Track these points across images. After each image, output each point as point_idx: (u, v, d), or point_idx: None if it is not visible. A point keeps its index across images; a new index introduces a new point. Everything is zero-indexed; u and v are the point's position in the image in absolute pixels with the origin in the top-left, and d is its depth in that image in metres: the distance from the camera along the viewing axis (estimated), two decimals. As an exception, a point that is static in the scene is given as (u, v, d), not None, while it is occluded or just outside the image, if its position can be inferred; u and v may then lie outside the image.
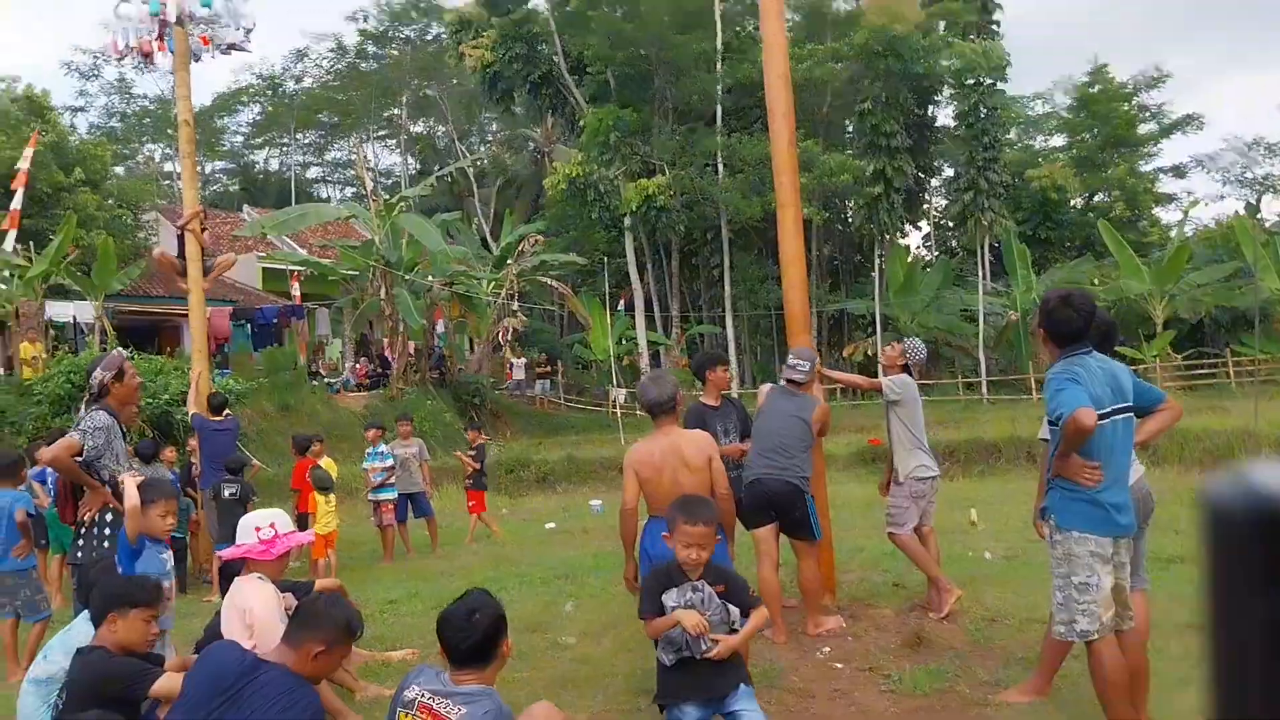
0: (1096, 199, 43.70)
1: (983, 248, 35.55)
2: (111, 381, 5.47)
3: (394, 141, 57.61)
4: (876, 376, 7.67)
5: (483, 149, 54.00)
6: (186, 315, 9.71)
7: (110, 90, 52.32)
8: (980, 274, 35.20)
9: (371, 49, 52.98)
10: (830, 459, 7.10)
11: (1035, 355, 31.73)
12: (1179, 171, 49.85)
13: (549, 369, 34.88)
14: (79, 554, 5.37)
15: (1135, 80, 45.61)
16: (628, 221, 34.10)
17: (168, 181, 47.09)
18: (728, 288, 35.13)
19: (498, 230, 37.11)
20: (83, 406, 5.62)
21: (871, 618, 6.39)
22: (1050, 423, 4.12)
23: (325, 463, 10.68)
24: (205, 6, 8.76)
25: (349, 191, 57.92)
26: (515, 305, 29.30)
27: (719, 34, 34.17)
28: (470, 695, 2.94)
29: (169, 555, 4.91)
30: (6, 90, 29.60)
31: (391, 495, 11.04)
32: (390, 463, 11.09)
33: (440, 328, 29.52)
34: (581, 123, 35.27)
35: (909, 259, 35.84)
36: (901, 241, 39.11)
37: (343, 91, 53.13)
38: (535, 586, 8.56)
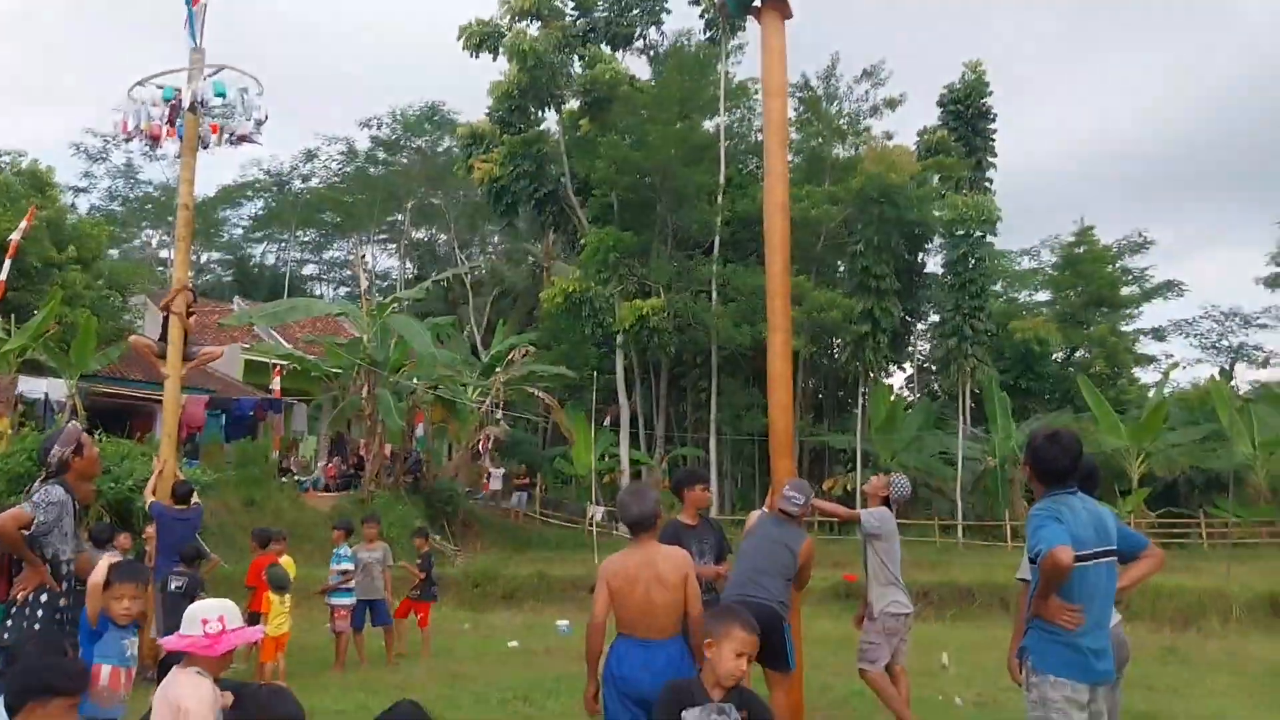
0: (1078, 354, 44.37)
1: (964, 393, 35.85)
2: (71, 456, 5.32)
3: (394, 246, 58.37)
4: (856, 509, 7.59)
5: (482, 259, 54.70)
6: (161, 401, 9.58)
7: (116, 174, 53.22)
8: (961, 418, 35.38)
9: (381, 155, 54.02)
10: (804, 593, 6.96)
11: (1012, 503, 31.70)
12: (1159, 334, 50.95)
13: (527, 481, 34.54)
14: (6, 635, 5.09)
15: (1120, 244, 47.07)
16: (620, 339, 34.33)
17: (162, 268, 47.40)
18: (713, 411, 35.16)
19: (489, 340, 37.26)
20: (37, 481, 5.44)
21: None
22: (1031, 560, 4.04)
23: (285, 561, 10.41)
24: (219, 95, 8.91)
25: (343, 291, 58.44)
26: (499, 414, 29.18)
27: (722, 168, 35.11)
28: None
29: (132, 642, 4.70)
30: (12, 163, 29.99)
31: (348, 600, 10.72)
32: (349, 566, 10.80)
33: (420, 431, 29.29)
34: (582, 241, 35.86)
35: (892, 398, 36.06)
36: (885, 381, 39.44)
37: (348, 193, 53.90)
38: (491, 707, 8.28)
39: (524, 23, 36.43)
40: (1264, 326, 51.05)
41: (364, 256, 44.87)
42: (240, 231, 59.17)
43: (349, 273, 58.26)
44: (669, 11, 38.56)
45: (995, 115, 40.82)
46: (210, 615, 4.29)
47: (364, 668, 10.51)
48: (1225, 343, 52.18)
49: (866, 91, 40.96)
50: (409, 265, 57.83)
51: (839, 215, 35.11)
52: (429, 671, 10.28)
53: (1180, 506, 32.93)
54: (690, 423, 38.14)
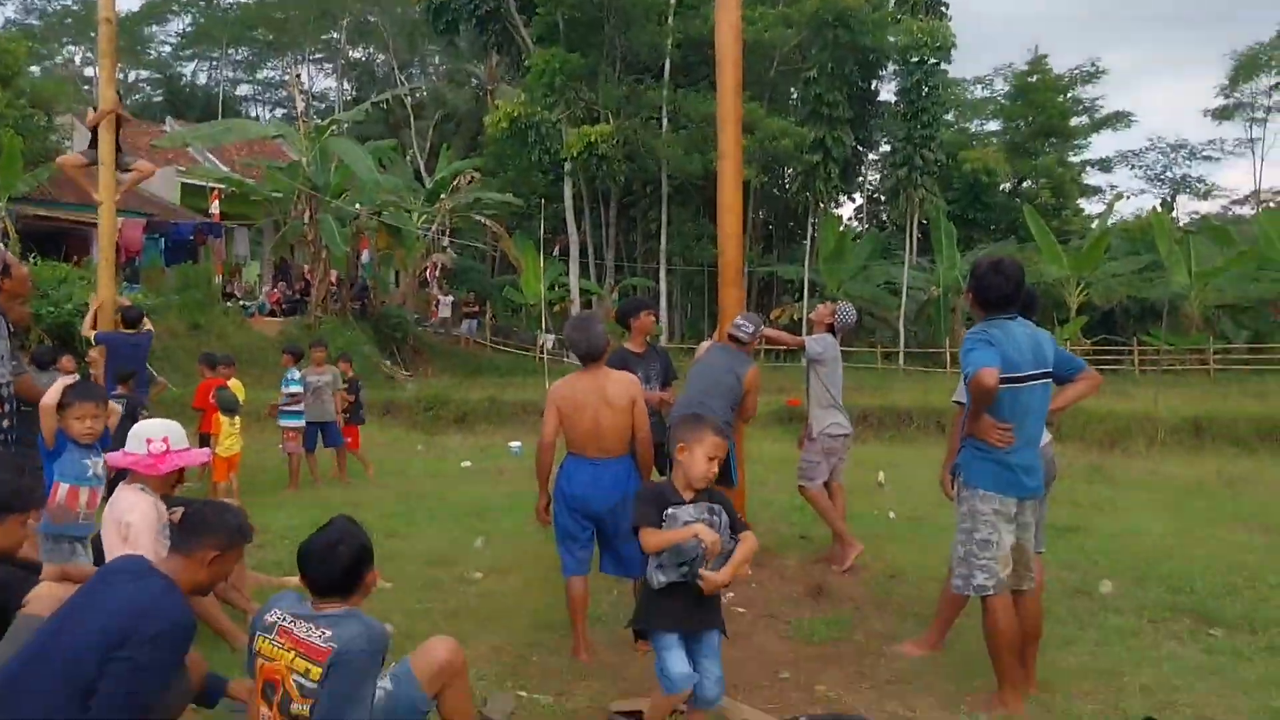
0: (1025, 185, 44.58)
1: (912, 223, 36.08)
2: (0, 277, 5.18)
3: (330, 66, 56.01)
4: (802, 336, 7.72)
5: (423, 81, 52.75)
6: (95, 225, 9.26)
7: (33, -15, 49.89)
8: (908, 249, 35.73)
9: (314, -35, 51.13)
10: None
11: (953, 331, 32.42)
12: (1105, 165, 51.26)
13: (477, 309, 34.43)
14: None
15: (1072, 74, 46.62)
16: (568, 167, 33.68)
17: (87, 87, 45.11)
18: (664, 242, 35.02)
19: (433, 165, 36.36)
20: None
21: (776, 567, 6.49)
22: (966, 384, 4.17)
23: (233, 385, 10.40)
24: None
25: (279, 113, 56.22)
26: (446, 241, 28.82)
27: (672, -15, 33.77)
28: (335, 618, 2.82)
29: (95, 461, 4.70)
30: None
31: (298, 422, 10.81)
32: (298, 389, 10.83)
33: (365, 258, 28.87)
34: (527, 63, 34.60)
35: (841, 229, 36.17)
36: (835, 211, 39.47)
37: (280, 9, 51.18)
38: (445, 522, 8.50)
39: None
40: (1208, 158, 51.63)
41: (299, 76, 42.82)
42: (169, 49, 56.32)
43: (285, 94, 55.94)
44: None
45: (955, -64, 39.48)
46: (155, 435, 4.31)
47: (318, 488, 10.69)
48: (1169, 174, 52.75)
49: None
50: (347, 86, 55.66)
51: (793, 39, 34.23)
52: (383, 490, 10.49)
53: (1116, 335, 33.92)
54: (640, 253, 38.03)
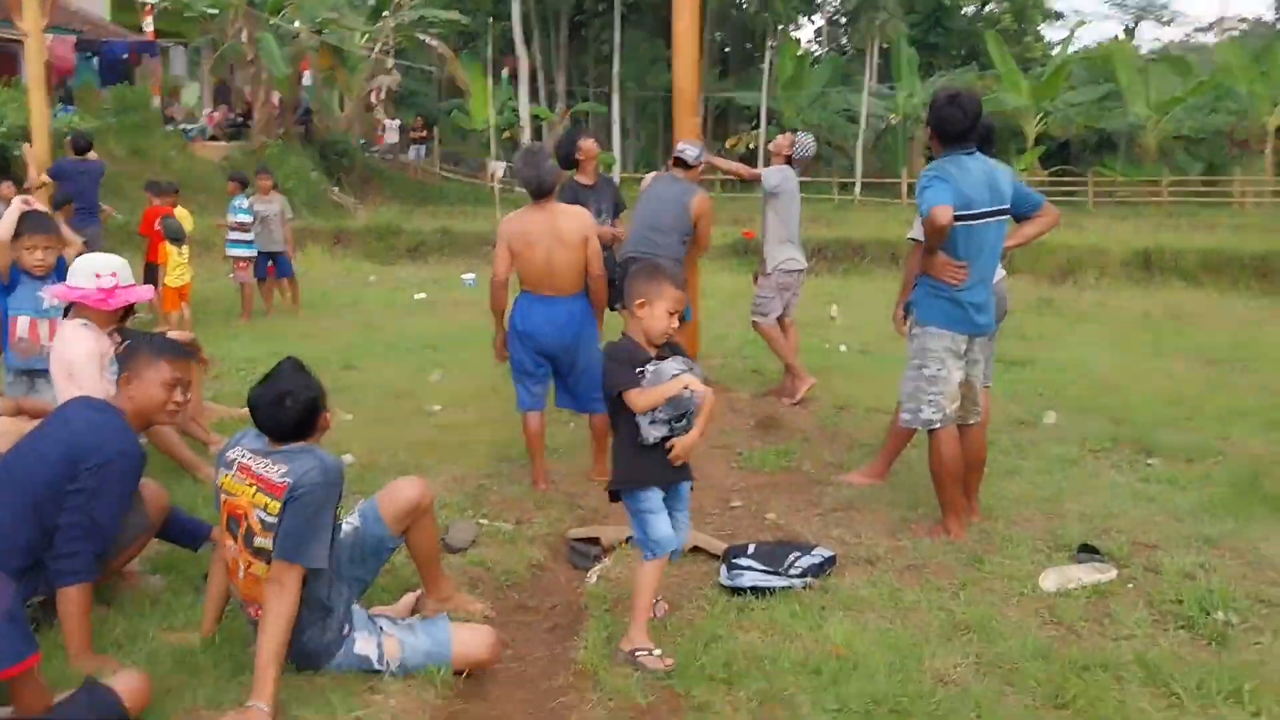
0: (987, 8, 43.52)
1: (872, 48, 35.26)
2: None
3: None
4: (757, 168, 7.62)
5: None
6: (21, 41, 8.74)
7: None
8: (867, 75, 35.02)
9: None
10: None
11: (910, 161, 32.24)
12: (1071, -12, 50.00)
13: (424, 134, 33.43)
14: None
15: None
16: (516, -18, 32.21)
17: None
18: (616, 66, 33.94)
19: (374, -21, 34.52)
20: None
21: (728, 400, 6.61)
22: (921, 221, 4.16)
23: (179, 213, 10.12)
24: None
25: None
26: (390, 62, 27.67)
27: None
28: (290, 453, 2.84)
29: (47, 294, 4.58)
30: None
31: (249, 251, 10.59)
32: (246, 218, 10.57)
33: (307, 80, 27.71)
34: None
35: (799, 53, 35.27)
36: (794, 34, 38.39)
37: None
38: (401, 355, 8.52)
39: None
40: (1174, -18, 50.52)
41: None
42: None
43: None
44: None
45: None
46: (104, 270, 4.21)
47: (271, 317, 10.61)
48: (1133, 0, 51.66)
49: None
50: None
51: None
52: (339, 322, 10.44)
53: (1072, 165, 33.95)
54: (592, 77, 36.94)
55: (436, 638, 3.02)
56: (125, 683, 2.56)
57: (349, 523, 3.20)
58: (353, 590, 3.11)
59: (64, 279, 4.37)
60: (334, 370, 7.34)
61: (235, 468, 2.91)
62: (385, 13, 27.16)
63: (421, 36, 28.91)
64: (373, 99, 28.99)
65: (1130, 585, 3.71)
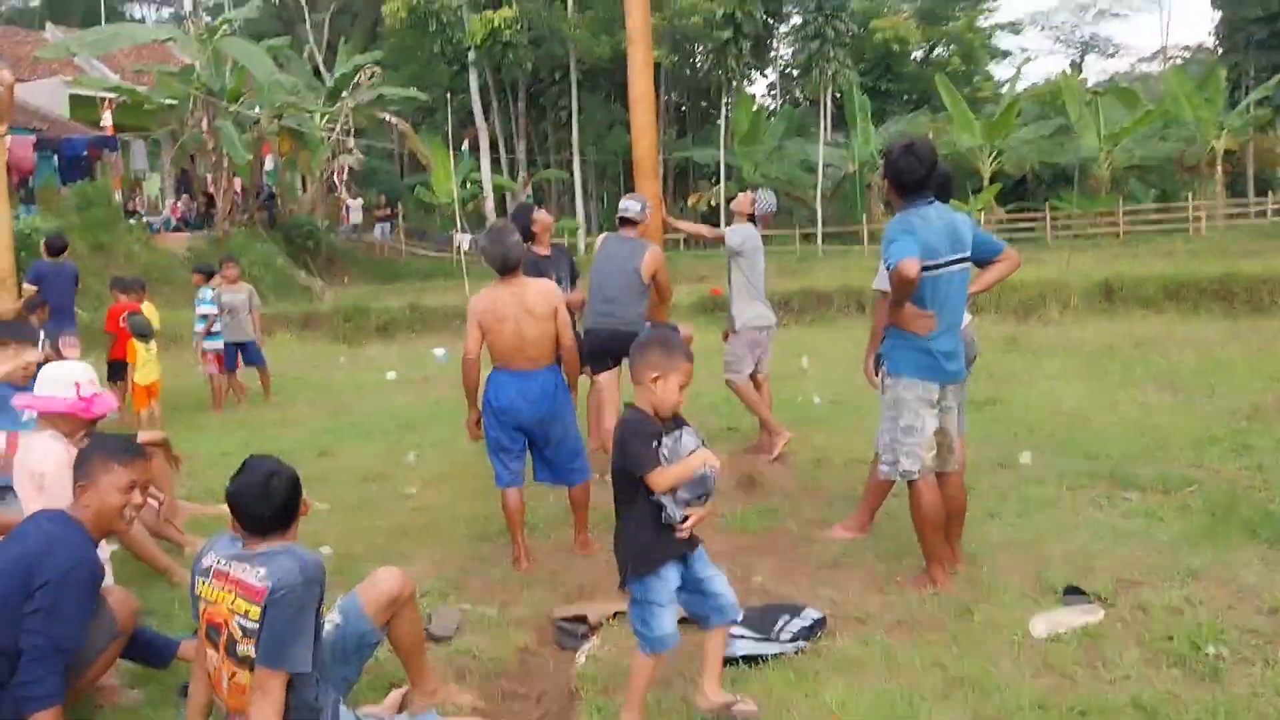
0: (936, 53, 44.52)
1: (825, 98, 35.91)
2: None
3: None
4: (720, 226, 7.69)
5: (313, -29, 50.11)
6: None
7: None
8: (822, 125, 35.63)
9: None
10: (671, 308, 7.17)
11: (869, 208, 32.70)
12: (1015, 28, 51.32)
13: (388, 212, 33.61)
14: None
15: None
16: (472, 56, 32.62)
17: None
18: (575, 132, 34.35)
19: (331, 61, 34.83)
20: None
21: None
22: (888, 274, 4.20)
23: (146, 308, 10.06)
24: None
25: (166, 13, 53.18)
26: (351, 142, 27.87)
27: None
28: (269, 555, 2.80)
29: (20, 404, 4.48)
30: None
31: (217, 344, 10.55)
32: (211, 309, 10.54)
33: (269, 164, 27.84)
34: (423, -55, 33.10)
35: (754, 108, 35.84)
36: (748, 89, 39.06)
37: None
38: (375, 437, 8.45)
39: None
40: (1117, 15, 52.04)
41: (182, -28, 40.40)
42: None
43: (168, -9, 52.91)
44: None
45: None
46: (81, 378, 4.15)
47: (242, 408, 10.52)
48: (1078, 35, 53.05)
49: None
50: (235, -20, 52.71)
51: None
52: (310, 407, 10.36)
53: (1028, 201, 34.52)
54: (552, 144, 37.36)
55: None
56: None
57: (331, 620, 3.14)
58: (339, 690, 3.05)
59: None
60: (308, 457, 7.28)
61: (212, 575, 2.86)
62: (344, 93, 27.43)
63: (381, 114, 29.20)
64: (335, 179, 29.16)
65: (1119, 625, 3.71)
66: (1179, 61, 45.78)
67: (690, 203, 35.10)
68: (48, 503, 3.73)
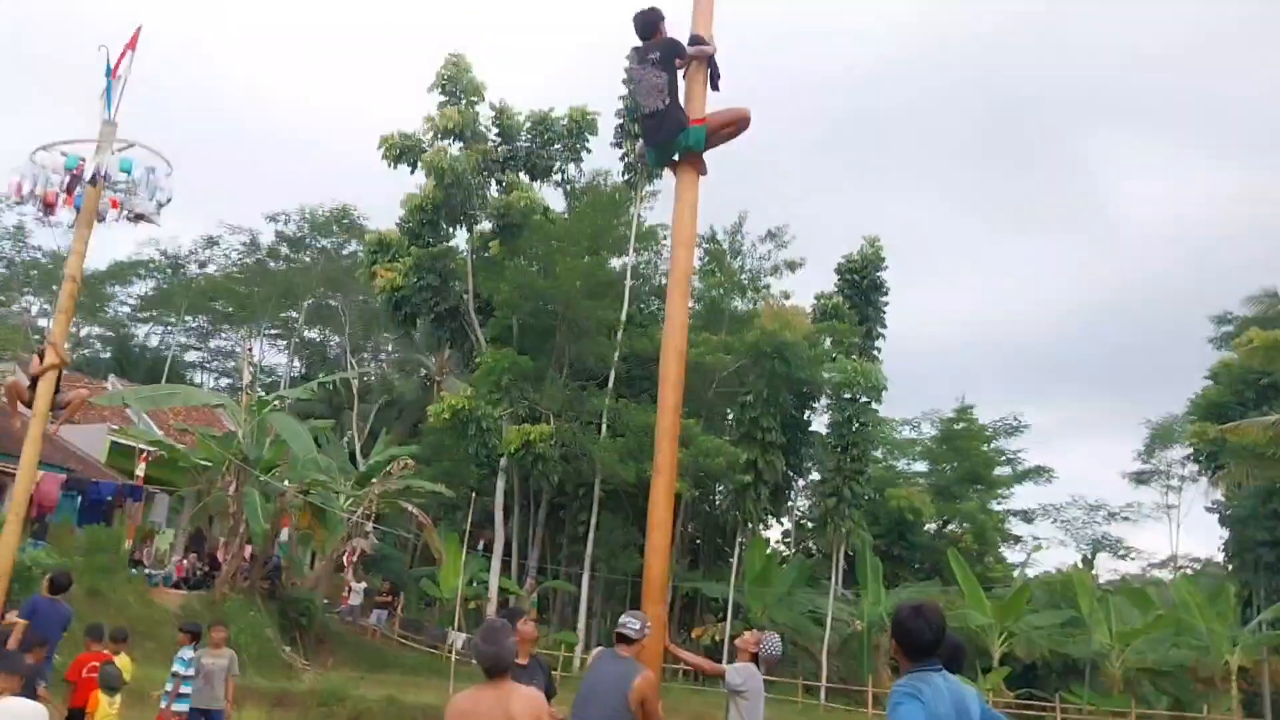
0: (949, 527, 45.55)
1: (838, 554, 36.29)
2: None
3: (284, 342, 57.04)
4: (723, 662, 7.52)
5: (373, 365, 53.81)
6: (13, 474, 8.97)
7: (4, 235, 51.26)
8: (833, 579, 35.71)
9: (285, 250, 53.15)
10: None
11: (876, 669, 31.82)
12: (1027, 516, 52.74)
13: (390, 599, 33.24)
14: None
15: (995, 425, 49.09)
16: (503, 462, 33.87)
17: (38, 337, 45.35)
18: (590, 546, 34.65)
19: (369, 448, 36.37)
20: None
21: None
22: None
23: (121, 660, 9.73)
24: (124, 171, 8.69)
25: (225, 382, 56.59)
26: (369, 526, 28.24)
27: (625, 306, 35.56)
28: None
29: None
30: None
31: (183, 708, 10.03)
32: (186, 671, 10.13)
33: (284, 536, 28.10)
34: (478, 359, 35.67)
35: (768, 551, 36.25)
36: (763, 533, 39.73)
37: (245, 284, 52.68)
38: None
39: (446, 141, 36.92)
40: (1127, 519, 53.37)
41: (251, 349, 43.64)
42: (126, 309, 57.24)
43: (233, 364, 56.68)
44: (590, 151, 39.49)
45: (888, 289, 42.60)
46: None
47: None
48: (1089, 532, 54.26)
49: (769, 251, 42.85)
50: (297, 363, 56.51)
51: (732, 364, 35.86)
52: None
53: (1039, 689, 33.50)
54: (565, 555, 37.55)
55: None
56: None
57: None
58: None
59: None
60: None
61: None
62: (374, 479, 28.24)
63: (405, 504, 29.84)
64: (345, 560, 29.20)
65: None
66: (1189, 571, 46.27)
67: (695, 634, 34.42)
68: None
